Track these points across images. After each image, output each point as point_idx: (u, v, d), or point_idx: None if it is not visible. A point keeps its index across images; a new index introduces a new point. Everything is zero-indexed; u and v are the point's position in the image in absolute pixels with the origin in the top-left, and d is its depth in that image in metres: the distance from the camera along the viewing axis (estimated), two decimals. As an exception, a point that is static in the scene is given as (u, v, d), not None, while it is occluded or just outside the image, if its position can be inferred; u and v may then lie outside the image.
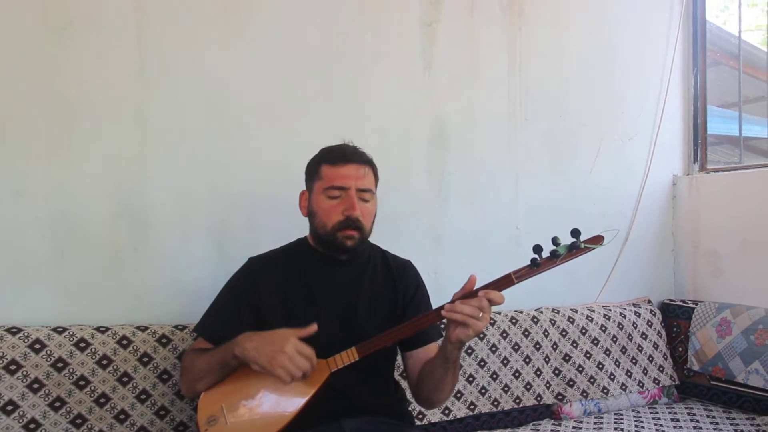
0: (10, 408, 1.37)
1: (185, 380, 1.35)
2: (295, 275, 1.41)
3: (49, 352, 1.43)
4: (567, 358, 2.06)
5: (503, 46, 2.14)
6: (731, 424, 1.89)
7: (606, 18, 2.33)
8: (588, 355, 2.09)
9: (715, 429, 1.85)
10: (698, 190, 2.38)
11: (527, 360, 1.99)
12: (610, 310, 2.21)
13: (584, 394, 2.04)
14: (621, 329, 2.17)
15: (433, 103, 2.02)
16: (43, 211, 1.52)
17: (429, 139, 2.02)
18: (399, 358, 1.50)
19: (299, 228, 1.49)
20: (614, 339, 2.15)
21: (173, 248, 1.66)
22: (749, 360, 1.99)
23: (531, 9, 2.18)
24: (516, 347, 1.98)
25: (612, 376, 2.10)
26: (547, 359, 2.02)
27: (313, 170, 1.42)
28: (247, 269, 1.44)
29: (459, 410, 1.85)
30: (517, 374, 1.96)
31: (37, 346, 1.42)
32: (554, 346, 2.05)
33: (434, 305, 1.38)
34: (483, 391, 1.90)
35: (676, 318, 2.29)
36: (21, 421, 1.37)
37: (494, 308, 1.21)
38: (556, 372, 2.03)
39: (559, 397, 2.01)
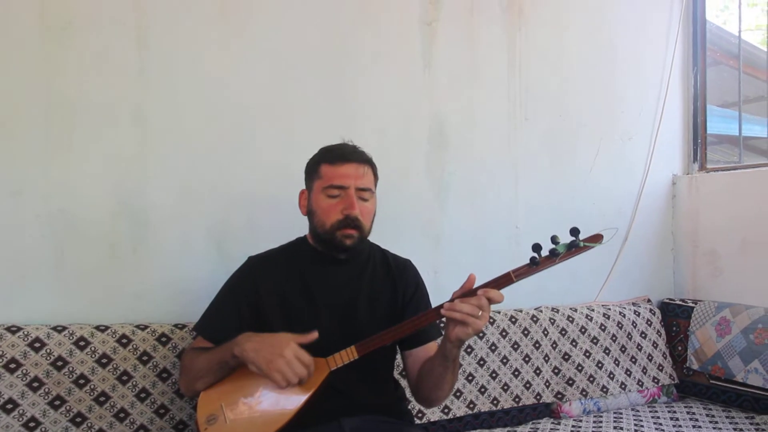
0: (9, 406, 1.37)
1: (184, 379, 1.35)
2: (294, 274, 1.41)
3: (48, 350, 1.43)
4: (566, 357, 2.06)
5: (503, 46, 2.14)
6: (730, 423, 1.89)
7: (606, 17, 2.33)
8: (587, 354, 2.09)
9: (714, 428, 1.85)
10: (698, 189, 2.38)
11: (527, 359, 1.99)
12: (609, 309, 2.21)
13: (584, 393, 2.04)
14: (620, 328, 2.17)
15: (432, 103, 2.02)
16: (43, 210, 1.53)
17: (428, 138, 2.02)
18: (398, 357, 1.50)
19: (299, 227, 1.49)
20: (614, 338, 2.15)
21: (173, 247, 1.66)
22: (748, 359, 1.99)
23: (531, 9, 2.18)
24: (515, 346, 1.98)
25: (611, 375, 2.10)
26: (546, 358, 2.03)
27: (312, 169, 1.42)
28: (246, 268, 1.44)
29: (458, 409, 1.85)
30: (516, 373, 1.96)
31: (37, 344, 1.42)
32: (554, 345, 2.05)
33: (434, 304, 1.39)
34: (482, 389, 1.90)
35: (675, 317, 2.29)
36: (21, 419, 1.37)
37: (494, 307, 1.21)
38: (556, 371, 2.03)
39: (559, 396, 2.02)
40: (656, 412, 2.03)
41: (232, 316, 1.37)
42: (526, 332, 2.01)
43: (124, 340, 1.51)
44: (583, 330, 2.11)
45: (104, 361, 1.48)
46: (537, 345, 2.02)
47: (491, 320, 1.96)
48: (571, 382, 2.04)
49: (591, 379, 2.06)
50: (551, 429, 1.89)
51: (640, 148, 2.40)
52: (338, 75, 1.88)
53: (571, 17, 2.27)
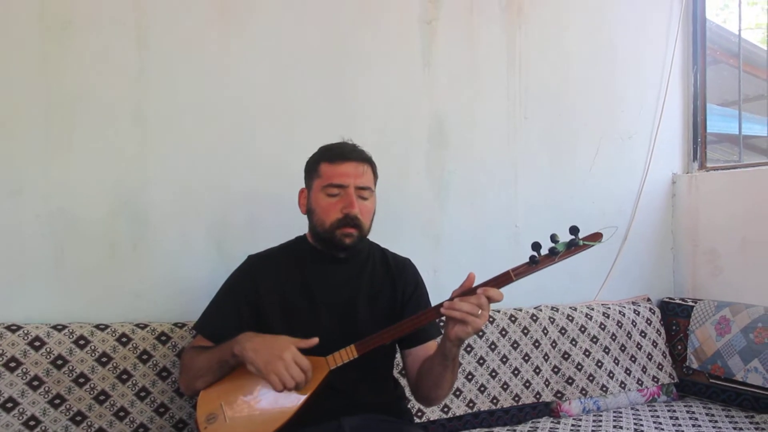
0: (10, 405, 1.37)
1: (184, 378, 1.35)
2: (294, 273, 1.41)
3: (48, 349, 1.43)
4: (566, 356, 2.06)
5: (503, 45, 2.14)
6: (730, 422, 1.89)
7: (605, 16, 2.33)
8: (587, 353, 2.09)
9: (714, 427, 1.85)
10: (698, 188, 2.38)
11: (526, 358, 1.99)
12: (609, 308, 2.21)
13: (583, 392, 2.04)
14: (620, 327, 2.17)
15: (432, 102, 2.02)
16: (43, 210, 1.53)
17: (428, 137, 2.02)
18: (398, 356, 1.50)
19: (298, 226, 1.49)
20: (613, 337, 2.15)
21: (173, 246, 1.66)
22: (748, 358, 1.99)
23: (530, 8, 2.18)
24: (515, 345, 1.99)
25: (611, 374, 2.10)
26: (546, 357, 2.03)
27: (312, 168, 1.42)
28: (246, 267, 1.44)
29: (458, 408, 1.85)
30: (516, 372, 1.97)
31: (37, 343, 1.42)
32: (553, 344, 2.05)
33: (434, 303, 1.38)
34: (482, 388, 1.90)
35: (675, 316, 2.29)
36: (21, 418, 1.38)
37: (493, 306, 1.21)
38: (555, 370, 2.03)
39: (558, 395, 2.02)
40: (656, 411, 2.04)
41: (231, 315, 1.37)
42: (525, 331, 2.01)
43: (124, 339, 1.52)
44: (582, 329, 2.11)
45: (104, 359, 1.48)
46: (537, 344, 2.02)
47: (491, 319, 1.96)
48: (570, 381, 2.04)
49: (591, 378, 2.06)
50: (551, 428, 1.89)
51: (640, 147, 2.40)
52: (338, 74, 1.88)
53: (570, 16, 2.27)
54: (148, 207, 1.63)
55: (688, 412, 2.01)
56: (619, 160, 2.35)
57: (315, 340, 1.22)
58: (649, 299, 2.36)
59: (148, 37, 1.63)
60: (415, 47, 2.00)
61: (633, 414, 2.00)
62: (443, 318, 1.22)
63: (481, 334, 1.93)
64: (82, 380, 1.45)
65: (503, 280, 1.19)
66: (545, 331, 2.05)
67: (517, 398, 1.95)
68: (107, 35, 1.59)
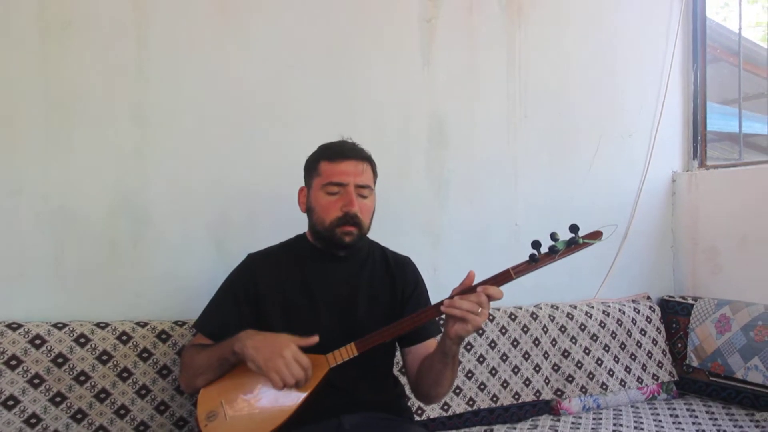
0: (11, 403, 1.37)
1: (185, 376, 1.36)
2: (294, 271, 1.41)
3: (49, 347, 1.43)
4: (566, 354, 2.06)
5: (502, 44, 2.14)
6: (730, 420, 1.89)
7: (605, 15, 2.33)
8: (587, 351, 2.09)
9: (714, 425, 1.85)
10: (698, 186, 2.38)
11: (526, 356, 1.99)
12: (609, 306, 2.21)
13: (583, 389, 2.04)
14: (620, 325, 2.17)
15: (432, 101, 2.02)
16: (43, 208, 1.53)
17: (428, 136, 2.02)
18: (398, 354, 1.50)
19: (298, 224, 1.49)
20: (613, 335, 2.15)
21: (173, 244, 1.66)
22: (748, 356, 1.99)
23: (530, 6, 2.18)
24: (515, 343, 1.99)
25: (611, 372, 2.10)
26: (546, 355, 2.03)
27: (311, 166, 1.42)
28: (246, 265, 1.44)
29: (458, 406, 1.85)
30: (516, 370, 1.97)
31: (38, 341, 1.43)
32: (553, 342, 2.05)
33: (434, 302, 1.39)
34: (482, 386, 1.90)
35: (675, 314, 2.29)
36: (22, 416, 1.38)
37: (493, 304, 1.21)
38: (555, 368, 2.04)
39: (558, 392, 2.02)
40: (656, 409, 2.04)
41: (231, 313, 1.37)
42: (525, 329, 2.02)
43: (124, 337, 1.52)
44: (582, 327, 2.11)
45: (104, 358, 1.48)
46: (536, 342, 2.02)
47: (491, 317, 1.96)
48: (570, 379, 2.04)
49: (590, 376, 2.07)
50: (551, 426, 1.89)
51: (640, 146, 2.40)
52: (338, 73, 1.88)
53: (570, 15, 2.26)
54: (148, 206, 1.63)
55: (688, 410, 2.01)
56: (619, 158, 2.35)
57: (315, 338, 1.22)
58: (649, 297, 2.36)
59: (148, 37, 1.63)
60: (415, 46, 2.00)
61: (633, 412, 2.01)
62: (443, 316, 1.22)
63: (481, 332, 1.93)
64: (82, 378, 1.45)
65: (503, 278, 1.19)
66: (545, 329, 2.05)
67: (517, 396, 1.95)
68: (107, 35, 1.59)
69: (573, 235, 1.14)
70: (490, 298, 1.16)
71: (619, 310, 2.20)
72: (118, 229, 1.60)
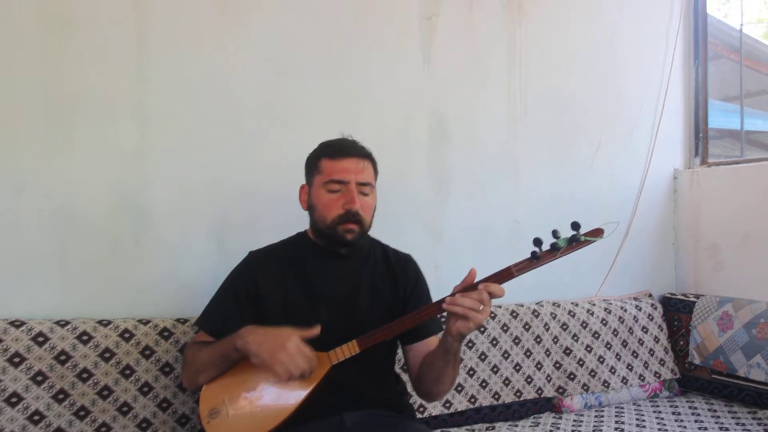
0: (14, 400, 1.38)
1: (187, 373, 1.36)
2: (295, 269, 1.41)
3: (52, 345, 1.44)
4: (568, 351, 2.06)
5: (503, 41, 2.14)
6: (732, 418, 1.89)
7: (606, 12, 2.33)
8: (589, 349, 2.09)
9: (716, 423, 1.85)
10: (699, 183, 2.38)
11: (528, 353, 2.00)
12: (611, 303, 2.21)
13: (585, 387, 2.04)
14: (622, 323, 2.17)
15: (432, 98, 2.02)
16: (45, 207, 1.53)
17: (429, 133, 2.02)
18: (399, 351, 1.50)
19: (299, 222, 1.49)
20: (615, 333, 2.15)
21: (174, 242, 1.66)
22: (751, 354, 1.99)
23: (530, 3, 2.18)
24: (517, 341, 1.99)
25: (613, 370, 2.10)
26: (548, 353, 2.03)
27: (312, 164, 1.42)
28: (247, 263, 1.45)
29: (460, 403, 1.85)
30: (517, 368, 1.97)
31: (40, 339, 1.43)
32: (555, 340, 2.05)
33: (435, 299, 1.39)
34: (484, 384, 1.90)
35: (677, 312, 2.29)
36: (25, 412, 1.38)
37: (495, 302, 1.21)
38: (557, 365, 2.04)
39: (560, 390, 2.02)
40: (658, 406, 2.04)
41: (233, 310, 1.37)
42: (527, 327, 2.02)
43: (127, 335, 1.52)
44: (584, 324, 2.11)
45: (107, 355, 1.49)
46: (538, 339, 2.02)
47: (492, 315, 1.97)
48: (572, 376, 2.04)
49: (592, 373, 2.07)
50: (552, 423, 1.89)
51: (642, 143, 2.40)
52: (338, 71, 1.88)
53: (571, 11, 2.26)
54: (149, 204, 1.64)
55: (690, 407, 2.01)
56: (620, 155, 2.35)
57: (317, 329, 1.22)
58: (650, 295, 2.36)
59: (148, 37, 1.63)
60: (415, 43, 2.00)
61: (635, 409, 2.01)
62: (445, 313, 1.22)
63: (482, 329, 1.93)
64: (85, 375, 1.46)
65: (505, 275, 1.19)
66: (547, 327, 2.05)
67: (518, 394, 1.95)
68: (107, 35, 1.59)
69: (574, 232, 1.14)
70: (491, 295, 1.16)
71: (621, 308, 2.20)
72: (119, 227, 1.61)
